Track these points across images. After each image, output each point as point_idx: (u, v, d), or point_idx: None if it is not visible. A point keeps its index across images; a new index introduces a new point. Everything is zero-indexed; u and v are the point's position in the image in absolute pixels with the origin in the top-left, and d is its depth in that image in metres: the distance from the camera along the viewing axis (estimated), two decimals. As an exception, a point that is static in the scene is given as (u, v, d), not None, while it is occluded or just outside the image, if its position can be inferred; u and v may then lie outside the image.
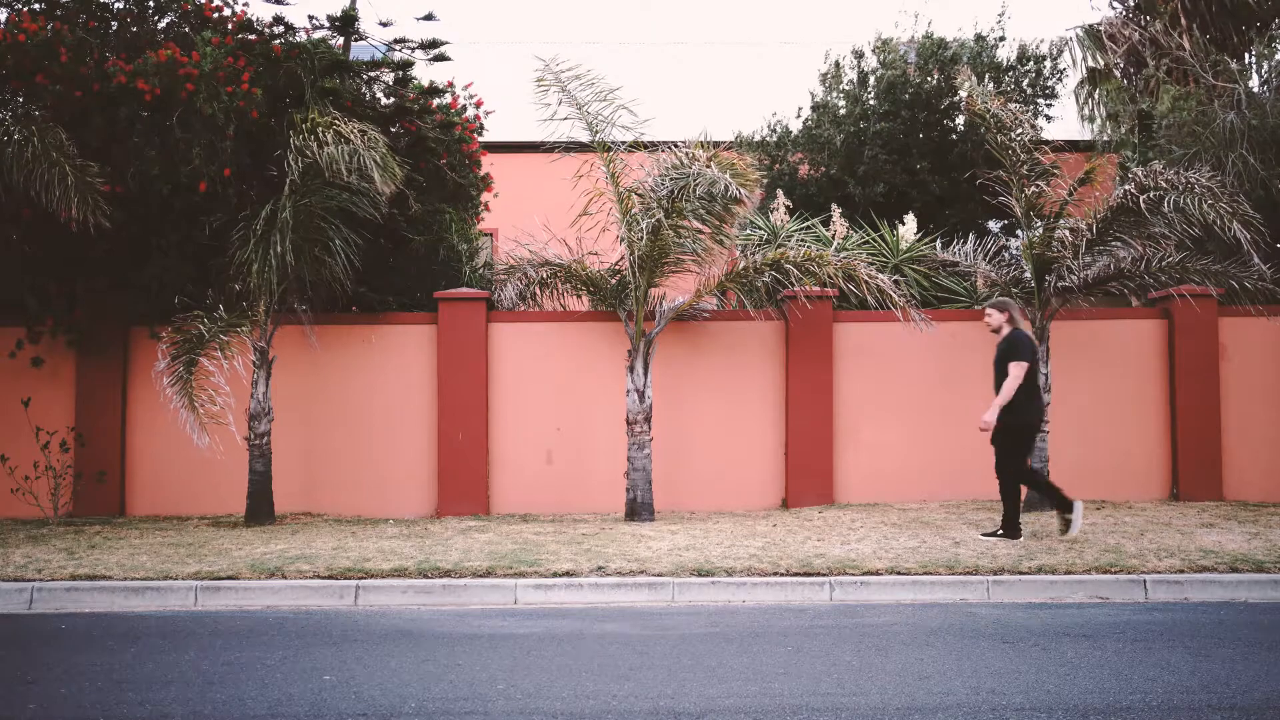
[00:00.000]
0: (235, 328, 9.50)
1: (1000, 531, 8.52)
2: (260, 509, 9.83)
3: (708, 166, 9.44)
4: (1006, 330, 8.66)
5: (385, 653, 5.87)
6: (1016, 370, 8.36)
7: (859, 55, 15.26)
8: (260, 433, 9.89)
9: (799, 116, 15.66)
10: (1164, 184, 9.35)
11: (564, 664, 5.59)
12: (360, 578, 7.49)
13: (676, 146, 9.96)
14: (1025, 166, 9.90)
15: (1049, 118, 15.00)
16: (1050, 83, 15.26)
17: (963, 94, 14.17)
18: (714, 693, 5.04)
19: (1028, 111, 10.20)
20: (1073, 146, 15.01)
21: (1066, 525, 8.44)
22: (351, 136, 9.24)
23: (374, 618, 6.89)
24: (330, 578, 7.51)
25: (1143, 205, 9.36)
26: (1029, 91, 14.91)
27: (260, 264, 9.62)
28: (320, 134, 9.32)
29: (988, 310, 8.84)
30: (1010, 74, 15.01)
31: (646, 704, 4.87)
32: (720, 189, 9.43)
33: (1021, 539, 8.43)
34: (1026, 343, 8.51)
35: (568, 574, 7.54)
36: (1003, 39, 15.39)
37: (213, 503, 10.64)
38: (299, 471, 10.66)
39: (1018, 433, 8.48)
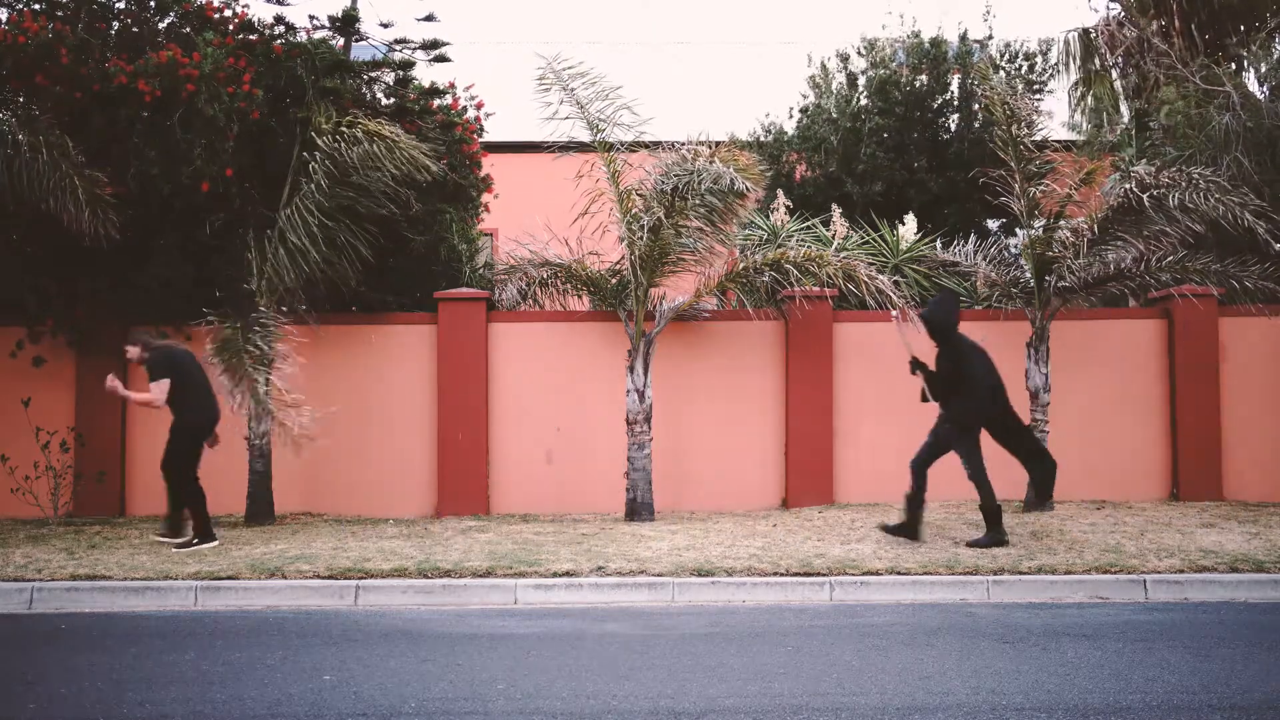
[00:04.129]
0: (263, 325, 9.55)
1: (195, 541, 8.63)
2: (260, 509, 9.83)
3: (711, 162, 9.46)
4: (147, 355, 8.88)
5: (385, 653, 5.87)
6: (157, 390, 8.73)
7: (844, 58, 15.27)
8: (260, 433, 9.89)
9: (791, 118, 15.68)
10: (1167, 181, 9.34)
11: (564, 664, 5.59)
12: (360, 578, 7.50)
13: (677, 146, 9.96)
14: (1034, 164, 9.89)
15: (1038, 111, 14.99)
16: (1044, 79, 15.27)
17: (975, 85, 14.14)
18: (714, 692, 5.04)
19: (1030, 105, 10.16)
20: (1069, 146, 15.01)
21: (175, 539, 8.86)
22: (389, 134, 9.40)
23: (374, 618, 6.90)
24: (330, 578, 7.51)
25: (1146, 203, 9.33)
26: (1021, 90, 14.92)
27: (267, 264, 9.62)
28: (348, 133, 9.43)
29: (127, 346, 9.13)
30: (1001, 72, 15.02)
31: (646, 704, 4.87)
32: (726, 183, 9.44)
33: (216, 542, 8.61)
34: (162, 359, 8.78)
35: (568, 574, 7.54)
36: (990, 38, 15.42)
37: (212, 503, 10.50)
38: (299, 471, 10.65)
39: (187, 433, 8.78)
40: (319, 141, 9.52)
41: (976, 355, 8.37)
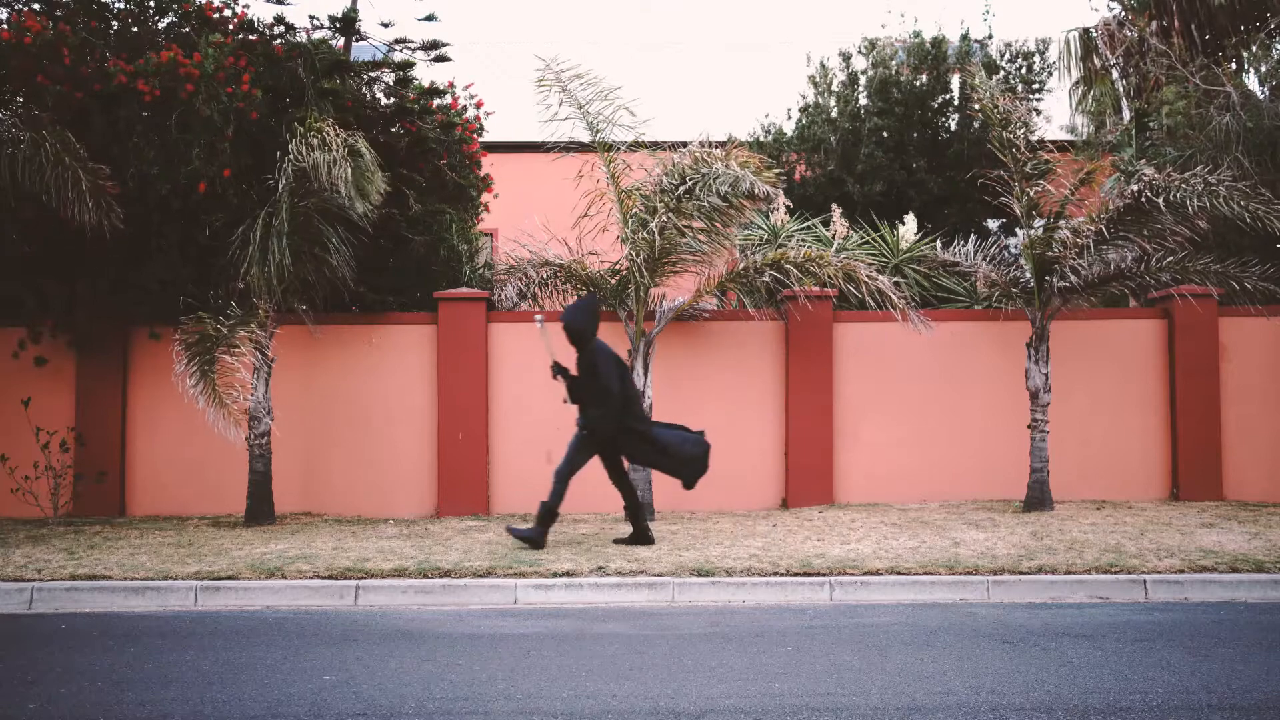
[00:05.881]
0: (246, 325, 9.51)
1: None
2: (260, 509, 9.84)
3: (726, 165, 9.46)
4: None
5: (385, 653, 5.87)
6: None
7: (846, 57, 15.28)
8: (260, 433, 9.89)
9: (791, 118, 15.69)
10: (1181, 184, 9.28)
11: (564, 664, 5.59)
12: (360, 578, 7.50)
13: (679, 147, 9.98)
14: (1029, 165, 9.89)
15: (1038, 112, 15.04)
16: (1043, 78, 15.27)
17: (970, 89, 14.16)
18: (714, 693, 5.04)
19: (1025, 108, 10.18)
20: (1068, 146, 15.01)
21: None
22: (333, 145, 9.08)
23: (374, 618, 6.90)
24: (330, 578, 7.51)
25: (1162, 205, 9.30)
26: (1019, 89, 14.94)
27: (260, 266, 9.62)
28: (309, 139, 9.24)
29: None
30: (1000, 72, 15.02)
31: (646, 704, 4.87)
32: (746, 186, 9.44)
33: None
34: None
35: (568, 574, 7.54)
36: (990, 37, 15.43)
37: (213, 503, 10.63)
38: (299, 471, 10.66)
39: None
40: (289, 145, 9.42)
41: (611, 364, 8.34)
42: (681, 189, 9.67)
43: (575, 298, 11.36)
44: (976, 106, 13.92)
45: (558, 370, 8.57)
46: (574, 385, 8.51)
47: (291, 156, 9.34)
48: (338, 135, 9.23)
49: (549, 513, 8.41)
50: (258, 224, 9.66)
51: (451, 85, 11.36)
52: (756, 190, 9.47)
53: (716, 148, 9.87)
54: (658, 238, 9.69)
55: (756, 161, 9.77)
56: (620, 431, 8.43)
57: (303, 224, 9.70)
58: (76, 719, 4.77)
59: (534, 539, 8.37)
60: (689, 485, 8.65)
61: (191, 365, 9.25)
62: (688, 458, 8.47)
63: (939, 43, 14.82)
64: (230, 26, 10.33)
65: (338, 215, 9.89)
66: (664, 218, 9.66)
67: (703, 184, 9.58)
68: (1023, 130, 9.87)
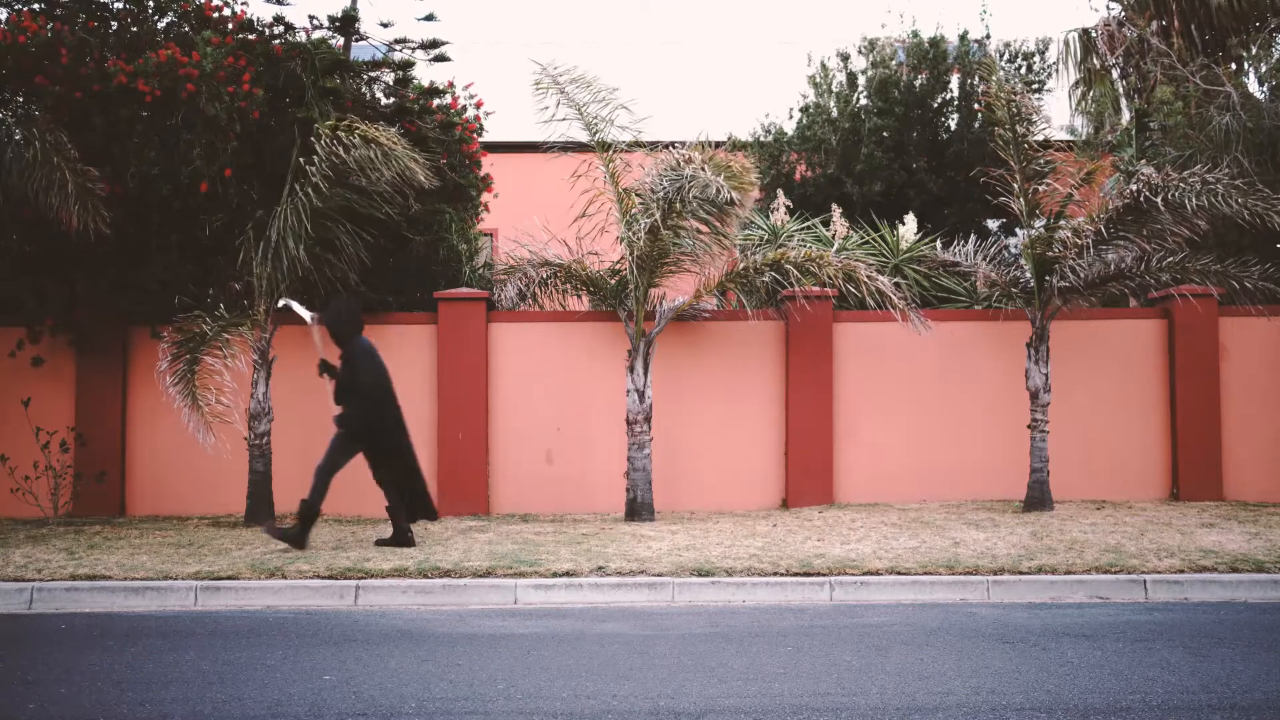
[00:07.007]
0: (236, 326, 9.52)
1: None
2: (260, 509, 9.83)
3: (703, 169, 9.35)
4: None
5: (385, 653, 5.87)
6: None
7: (845, 58, 15.27)
8: (260, 433, 9.89)
9: (791, 118, 15.69)
10: (1180, 183, 9.28)
11: (564, 664, 5.59)
12: (360, 578, 7.50)
13: (675, 147, 9.93)
14: (1037, 163, 9.88)
15: (1039, 110, 15.01)
16: (1043, 79, 15.27)
17: (976, 83, 14.14)
18: (714, 693, 5.04)
19: (1034, 102, 10.16)
20: (1069, 146, 15.00)
21: None
22: (385, 140, 9.30)
23: (374, 618, 6.90)
24: (330, 578, 7.51)
25: (1160, 205, 9.30)
26: (1020, 89, 14.94)
27: (263, 265, 9.62)
28: (345, 138, 9.34)
29: None
30: (1000, 72, 15.01)
31: (646, 704, 4.87)
32: (713, 192, 9.35)
33: None
34: None
35: (568, 574, 7.54)
36: (988, 37, 15.43)
37: (213, 503, 10.63)
38: (299, 471, 10.60)
39: None
40: (317, 146, 9.47)
41: (368, 364, 8.32)
42: (660, 193, 9.63)
43: (575, 298, 11.38)
44: (979, 105, 13.95)
45: (324, 368, 8.55)
46: (340, 384, 8.47)
47: (321, 156, 9.36)
48: (379, 129, 9.40)
49: (310, 511, 8.34)
50: (274, 223, 9.66)
51: (451, 85, 11.35)
52: (723, 196, 9.28)
53: (697, 151, 9.75)
54: (643, 236, 9.67)
55: (737, 164, 9.64)
56: (383, 434, 8.42)
57: (314, 222, 9.70)
58: (76, 719, 4.77)
59: (295, 538, 8.31)
60: (428, 513, 8.72)
61: (176, 363, 9.27)
62: (421, 491, 8.54)
63: (938, 43, 14.81)
64: (230, 26, 10.32)
65: (345, 211, 9.87)
66: (656, 218, 9.62)
67: (679, 189, 9.51)
68: (1028, 127, 9.87)
